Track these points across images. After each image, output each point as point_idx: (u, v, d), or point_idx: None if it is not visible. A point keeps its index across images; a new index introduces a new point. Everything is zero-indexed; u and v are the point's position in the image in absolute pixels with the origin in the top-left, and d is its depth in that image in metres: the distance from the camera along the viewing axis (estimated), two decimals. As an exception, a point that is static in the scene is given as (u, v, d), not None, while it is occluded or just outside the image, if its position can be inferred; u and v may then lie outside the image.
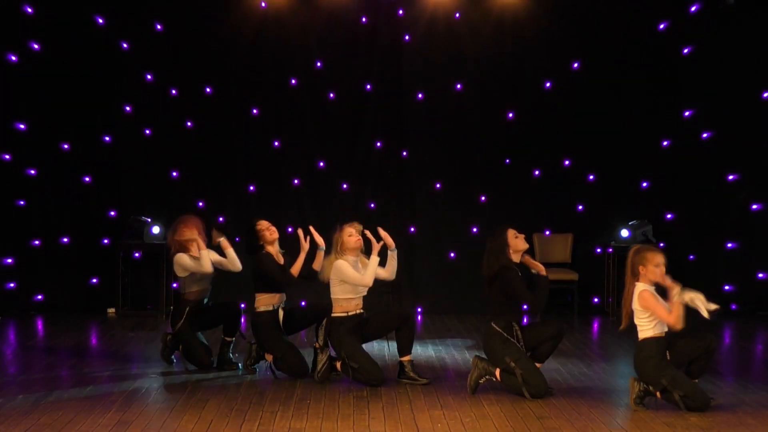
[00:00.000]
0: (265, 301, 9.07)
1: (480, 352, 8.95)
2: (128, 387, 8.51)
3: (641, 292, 7.82)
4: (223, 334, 9.43)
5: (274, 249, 9.15)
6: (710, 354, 7.93)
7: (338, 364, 8.77)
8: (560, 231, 13.29)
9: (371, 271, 8.75)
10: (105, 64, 13.01)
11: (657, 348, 7.79)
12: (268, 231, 9.13)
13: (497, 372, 8.30)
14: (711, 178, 13.20)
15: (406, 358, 8.79)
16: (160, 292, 12.75)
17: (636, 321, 7.89)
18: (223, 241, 9.50)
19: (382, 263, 8.96)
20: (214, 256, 9.47)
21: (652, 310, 7.76)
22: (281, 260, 9.17)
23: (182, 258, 9.35)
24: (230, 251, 9.50)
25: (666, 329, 7.83)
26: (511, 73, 13.25)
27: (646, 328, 7.83)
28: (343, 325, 8.77)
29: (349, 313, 8.81)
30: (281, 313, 9.06)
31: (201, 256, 9.29)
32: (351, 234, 8.82)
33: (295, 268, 9.03)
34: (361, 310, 8.90)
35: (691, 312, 7.78)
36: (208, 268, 9.32)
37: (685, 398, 7.68)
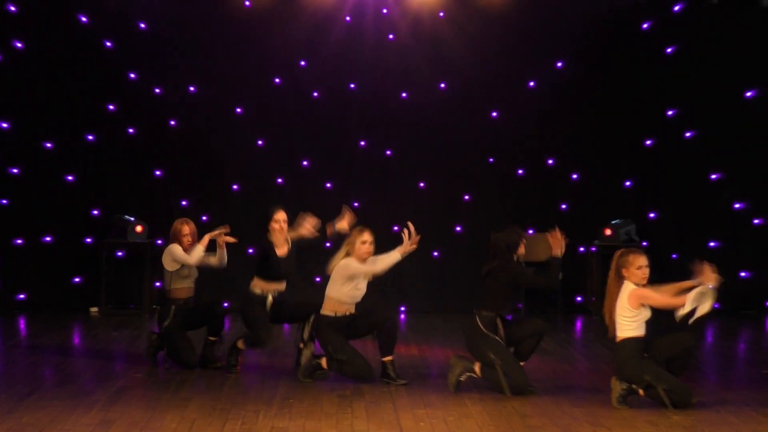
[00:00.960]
0: (260, 285, 9.08)
1: (463, 351, 8.95)
2: (111, 386, 8.47)
3: (632, 290, 7.81)
4: (208, 334, 9.41)
5: (280, 238, 9.12)
6: (689, 352, 7.94)
7: (323, 361, 8.74)
8: (544, 230, 13.26)
9: (386, 263, 8.63)
10: (88, 63, 12.98)
11: (636, 347, 7.80)
12: (278, 228, 9.08)
13: (477, 367, 8.30)
14: (694, 178, 13.26)
15: (387, 359, 8.75)
16: (143, 291, 12.72)
17: (618, 320, 7.87)
18: (220, 238, 9.48)
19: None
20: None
21: (653, 301, 7.76)
22: (285, 248, 9.14)
23: (175, 248, 9.31)
24: (223, 250, 9.51)
25: (645, 331, 7.84)
26: (494, 72, 13.27)
27: (628, 328, 7.82)
28: (330, 325, 8.75)
29: (338, 314, 8.78)
30: (270, 298, 9.06)
31: (195, 249, 9.26)
32: (365, 242, 8.69)
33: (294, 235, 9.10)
34: (351, 312, 8.86)
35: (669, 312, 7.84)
36: (196, 261, 9.30)
37: (670, 392, 7.69)
